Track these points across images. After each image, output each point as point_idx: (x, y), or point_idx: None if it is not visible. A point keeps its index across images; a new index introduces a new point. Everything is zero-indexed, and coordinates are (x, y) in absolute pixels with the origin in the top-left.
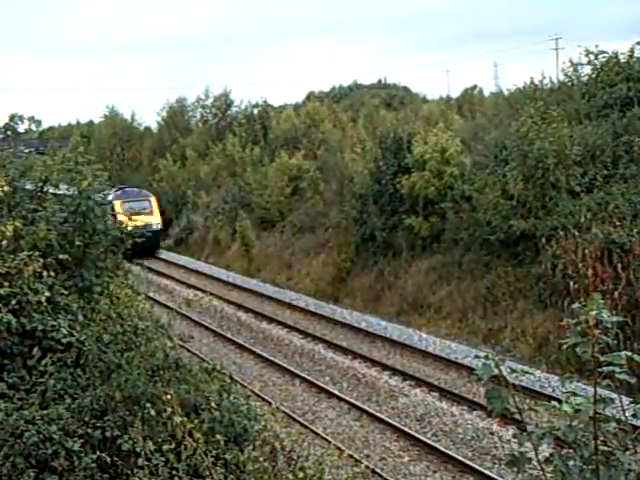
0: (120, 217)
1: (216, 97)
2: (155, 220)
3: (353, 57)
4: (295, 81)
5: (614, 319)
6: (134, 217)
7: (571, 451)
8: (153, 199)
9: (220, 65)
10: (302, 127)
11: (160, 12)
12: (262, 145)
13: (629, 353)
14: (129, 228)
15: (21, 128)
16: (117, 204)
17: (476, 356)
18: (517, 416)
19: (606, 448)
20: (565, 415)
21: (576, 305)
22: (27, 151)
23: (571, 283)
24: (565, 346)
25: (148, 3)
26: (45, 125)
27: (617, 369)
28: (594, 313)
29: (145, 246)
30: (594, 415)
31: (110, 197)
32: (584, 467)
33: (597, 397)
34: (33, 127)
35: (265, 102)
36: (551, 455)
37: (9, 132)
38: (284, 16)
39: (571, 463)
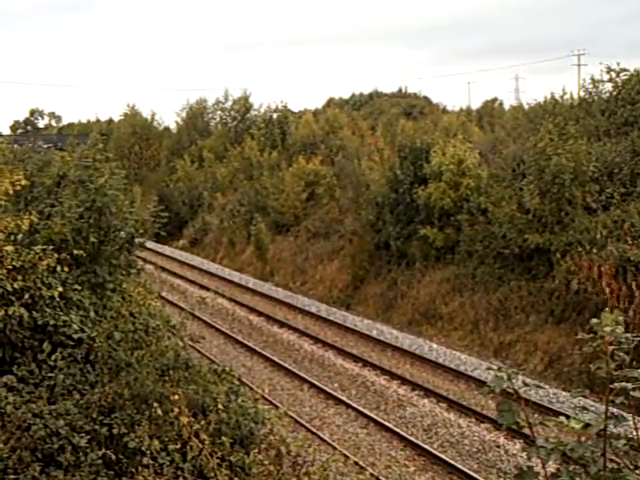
0: None
1: (236, 100)
2: None
3: (374, 65)
4: (315, 87)
5: (629, 336)
6: None
7: (579, 467)
8: None
9: (241, 68)
10: (321, 133)
11: (181, 15)
12: (280, 149)
13: None
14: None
15: (41, 123)
16: None
17: (489, 369)
18: (526, 430)
19: (615, 466)
20: (573, 430)
21: (594, 321)
22: (46, 146)
23: (585, 299)
24: (579, 356)
25: (168, 6)
26: (65, 121)
27: (630, 385)
28: (609, 329)
29: None
30: (604, 432)
31: None
32: None
33: (608, 414)
34: (53, 123)
35: (285, 107)
36: (558, 470)
37: (29, 127)
38: (307, 22)
39: None
